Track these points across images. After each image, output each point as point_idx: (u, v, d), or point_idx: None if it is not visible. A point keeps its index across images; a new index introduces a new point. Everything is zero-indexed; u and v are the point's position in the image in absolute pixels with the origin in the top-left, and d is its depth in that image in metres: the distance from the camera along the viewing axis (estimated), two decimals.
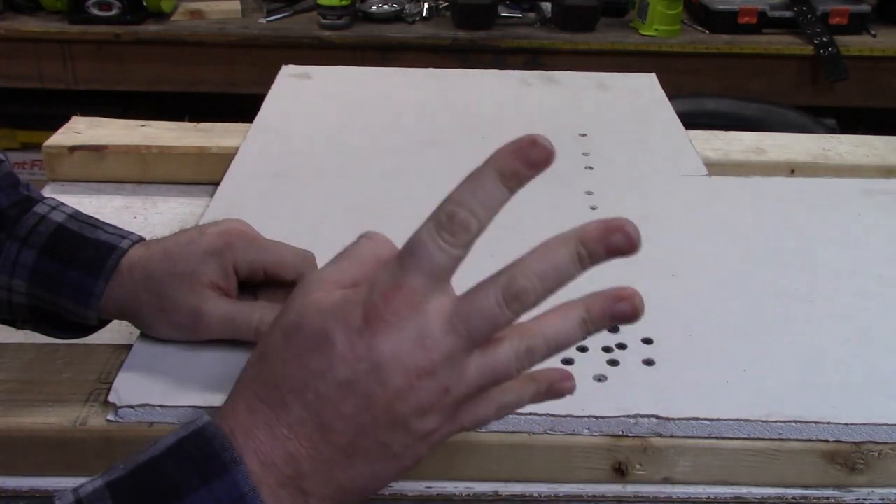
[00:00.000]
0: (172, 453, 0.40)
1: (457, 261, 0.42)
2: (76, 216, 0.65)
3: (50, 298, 0.62)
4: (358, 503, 0.44)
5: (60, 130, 1.00)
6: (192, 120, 1.07)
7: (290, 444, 0.41)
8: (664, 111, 1.10)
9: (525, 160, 0.40)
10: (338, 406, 0.41)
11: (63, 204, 0.66)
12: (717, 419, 0.58)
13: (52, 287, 0.62)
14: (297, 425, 0.41)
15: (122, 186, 0.97)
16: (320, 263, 0.64)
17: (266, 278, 0.63)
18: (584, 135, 1.01)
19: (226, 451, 0.40)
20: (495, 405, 0.46)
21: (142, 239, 0.65)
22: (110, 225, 0.65)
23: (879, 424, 0.58)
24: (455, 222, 0.41)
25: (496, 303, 0.41)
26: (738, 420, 0.58)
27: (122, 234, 0.64)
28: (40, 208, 0.64)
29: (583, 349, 0.64)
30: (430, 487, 0.58)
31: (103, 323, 0.65)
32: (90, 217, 0.65)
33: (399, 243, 0.44)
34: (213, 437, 0.41)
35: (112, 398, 0.58)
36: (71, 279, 0.61)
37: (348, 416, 0.41)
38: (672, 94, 1.16)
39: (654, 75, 1.20)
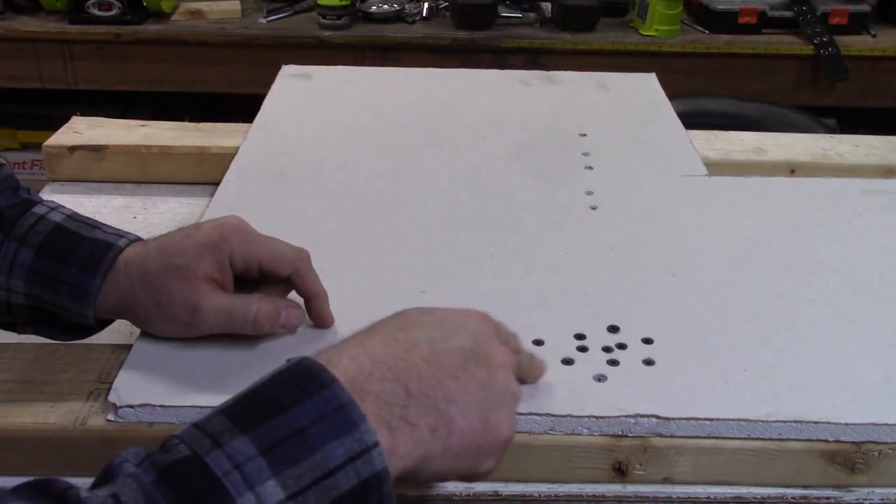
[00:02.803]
0: (275, 379, 0.45)
1: None
2: (74, 217, 0.65)
3: (48, 297, 0.62)
4: (444, 434, 0.48)
5: (60, 130, 1.00)
6: (192, 120, 1.07)
7: (410, 350, 0.48)
8: (664, 111, 1.10)
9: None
10: (450, 341, 0.50)
11: (62, 206, 0.66)
12: (717, 419, 0.58)
13: (50, 285, 0.62)
14: (411, 343, 0.49)
15: (121, 186, 0.97)
16: (315, 262, 0.65)
17: (261, 273, 0.63)
18: (584, 135, 1.00)
19: (323, 373, 0.45)
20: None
21: (139, 239, 0.65)
22: (108, 225, 0.65)
23: (879, 424, 0.58)
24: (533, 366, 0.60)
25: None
26: (738, 420, 0.58)
27: (120, 234, 0.64)
28: (39, 209, 0.64)
29: (583, 349, 0.64)
30: (430, 487, 0.58)
31: (103, 323, 0.65)
32: (88, 218, 0.66)
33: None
34: (310, 365, 0.45)
35: (112, 398, 0.58)
36: (68, 277, 0.61)
37: (458, 348, 0.50)
38: (672, 94, 1.16)
39: (654, 75, 1.20)
